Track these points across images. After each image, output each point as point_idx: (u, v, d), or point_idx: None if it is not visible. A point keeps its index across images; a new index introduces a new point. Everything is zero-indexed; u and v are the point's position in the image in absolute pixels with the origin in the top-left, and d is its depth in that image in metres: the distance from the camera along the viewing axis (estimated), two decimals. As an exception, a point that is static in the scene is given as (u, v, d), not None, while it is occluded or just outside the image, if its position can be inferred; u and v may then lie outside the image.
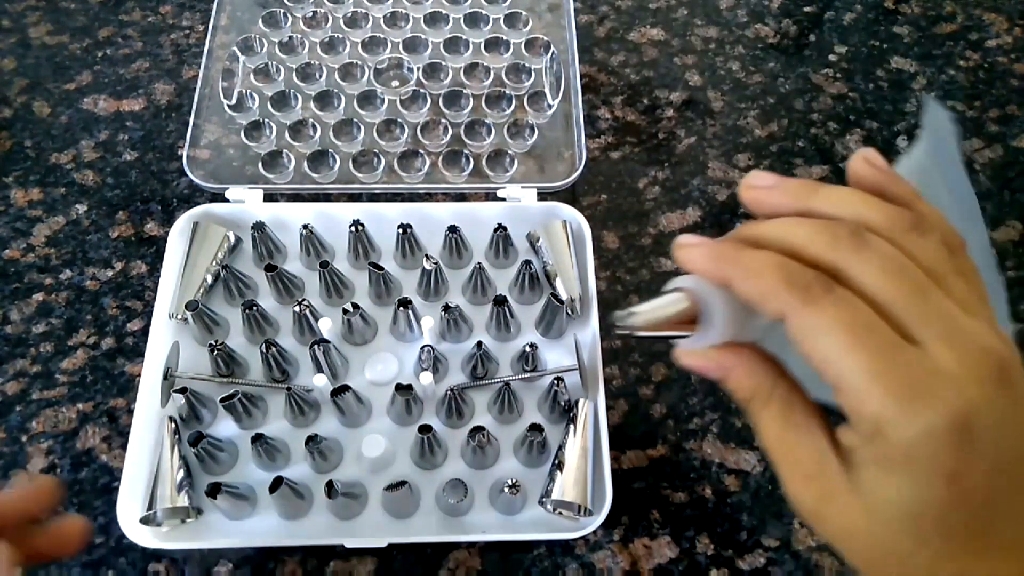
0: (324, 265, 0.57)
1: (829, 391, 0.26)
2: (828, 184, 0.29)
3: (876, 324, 0.25)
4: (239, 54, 0.70)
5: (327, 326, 0.55)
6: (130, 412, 0.54)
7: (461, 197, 0.65)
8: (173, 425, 0.53)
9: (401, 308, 0.55)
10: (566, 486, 0.50)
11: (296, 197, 0.64)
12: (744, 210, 0.65)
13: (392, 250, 0.60)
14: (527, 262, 0.57)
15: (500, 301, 0.55)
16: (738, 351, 0.29)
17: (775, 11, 0.78)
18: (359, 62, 0.70)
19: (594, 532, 0.50)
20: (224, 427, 0.55)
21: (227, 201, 0.62)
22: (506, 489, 0.49)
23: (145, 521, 0.49)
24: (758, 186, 0.30)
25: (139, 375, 0.55)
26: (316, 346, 0.53)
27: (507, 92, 0.68)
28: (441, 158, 0.66)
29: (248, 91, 0.68)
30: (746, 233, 0.28)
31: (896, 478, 0.25)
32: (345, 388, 0.52)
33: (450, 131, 0.67)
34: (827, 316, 0.25)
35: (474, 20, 0.72)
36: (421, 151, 0.66)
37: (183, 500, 0.50)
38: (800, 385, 0.29)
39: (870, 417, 0.24)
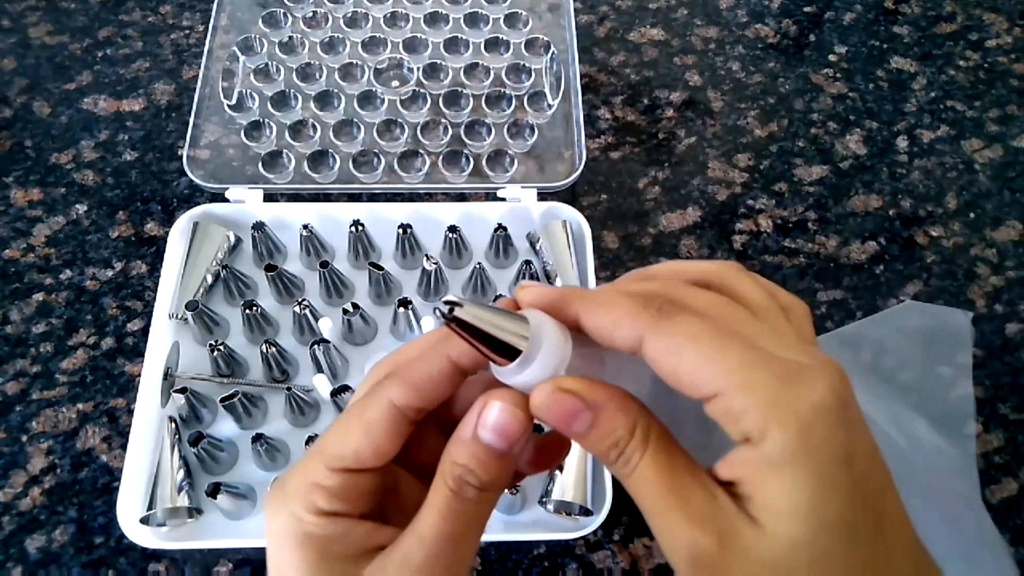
0: (324, 265, 0.57)
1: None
2: (589, 290, 0.28)
3: (734, 329, 0.24)
4: (239, 54, 0.70)
5: (327, 326, 0.55)
6: (130, 412, 0.54)
7: (461, 197, 0.65)
8: (173, 425, 0.53)
9: (401, 308, 0.55)
10: (566, 486, 0.50)
11: (296, 197, 0.64)
12: (743, 209, 0.65)
13: (392, 250, 0.60)
14: (527, 262, 0.57)
15: (500, 301, 0.55)
16: (607, 386, 0.25)
17: (775, 11, 0.78)
18: (359, 62, 0.70)
19: (594, 532, 0.50)
20: (224, 427, 0.55)
21: (227, 201, 0.62)
22: (506, 489, 0.49)
23: (145, 521, 0.49)
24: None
25: (139, 375, 0.55)
26: (316, 346, 0.53)
27: (507, 92, 0.68)
28: (441, 158, 0.66)
29: (248, 91, 0.68)
30: (574, 293, 0.27)
31: (794, 476, 0.23)
32: (345, 388, 0.52)
33: (450, 131, 0.67)
34: (685, 326, 0.24)
35: (474, 20, 0.72)
36: (421, 151, 0.66)
37: (183, 500, 0.50)
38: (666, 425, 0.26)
39: (756, 411, 0.23)
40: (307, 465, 0.27)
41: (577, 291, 0.26)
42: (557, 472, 0.51)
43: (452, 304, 0.24)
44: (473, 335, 0.24)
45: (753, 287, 0.28)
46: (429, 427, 0.28)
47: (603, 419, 0.25)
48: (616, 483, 0.51)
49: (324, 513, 0.26)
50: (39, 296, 0.61)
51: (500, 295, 0.55)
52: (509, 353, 0.24)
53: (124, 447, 0.52)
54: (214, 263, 0.58)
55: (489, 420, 0.25)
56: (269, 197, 0.62)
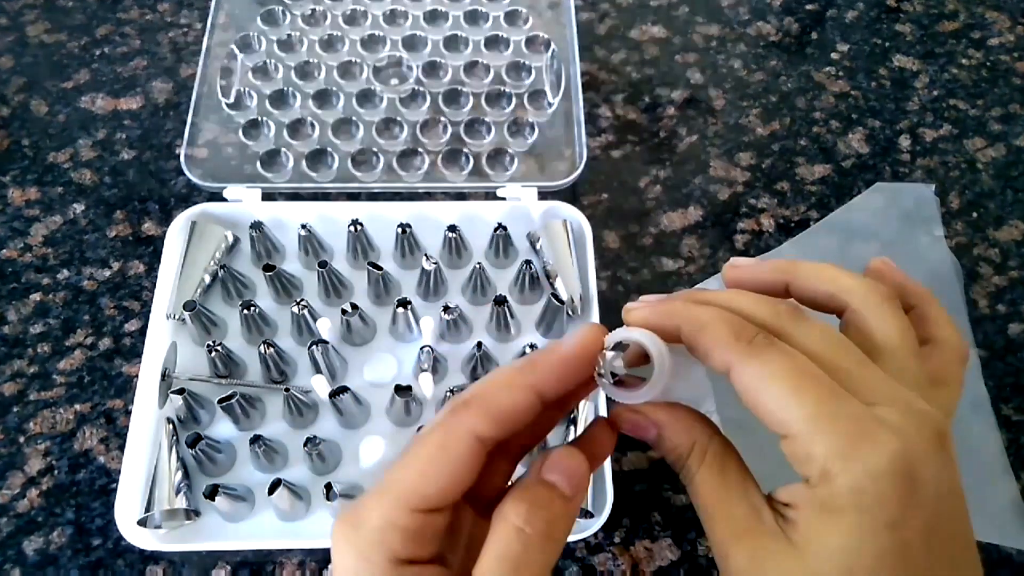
0: (323, 265, 0.56)
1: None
2: (807, 262, 0.30)
3: (819, 374, 0.25)
4: (237, 52, 0.70)
5: (326, 326, 0.55)
6: (128, 413, 0.53)
7: (461, 196, 0.64)
8: (171, 426, 0.52)
9: (400, 308, 0.55)
10: (566, 488, 0.50)
11: (295, 196, 0.64)
12: (745, 208, 0.65)
13: (391, 250, 0.60)
14: (527, 262, 0.57)
15: (500, 301, 0.55)
16: (672, 408, 0.29)
17: (777, 9, 0.78)
18: (358, 60, 0.69)
19: (595, 534, 0.50)
20: (222, 428, 0.54)
21: (225, 200, 0.61)
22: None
23: (143, 523, 0.49)
24: (740, 266, 0.32)
25: (137, 376, 0.54)
26: (315, 347, 0.53)
27: (507, 90, 0.68)
28: (441, 157, 0.65)
29: (246, 89, 0.68)
30: (692, 296, 0.29)
31: (838, 523, 0.24)
32: (344, 389, 0.51)
33: (450, 130, 0.66)
34: (772, 365, 0.25)
35: (474, 18, 0.72)
36: (420, 150, 0.65)
37: (181, 502, 0.50)
38: (732, 444, 0.29)
39: (818, 459, 0.24)
40: (383, 502, 0.26)
41: (680, 307, 0.28)
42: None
43: (615, 363, 0.27)
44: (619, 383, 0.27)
45: (888, 320, 0.28)
46: (495, 456, 0.28)
47: (666, 435, 0.29)
48: (617, 485, 0.51)
49: (400, 561, 0.25)
50: (36, 296, 0.61)
51: (501, 295, 0.55)
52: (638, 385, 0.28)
53: (122, 448, 0.52)
54: (212, 263, 0.58)
55: (554, 463, 0.27)
56: (267, 196, 0.62)
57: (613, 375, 0.27)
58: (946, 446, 0.25)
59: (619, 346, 0.28)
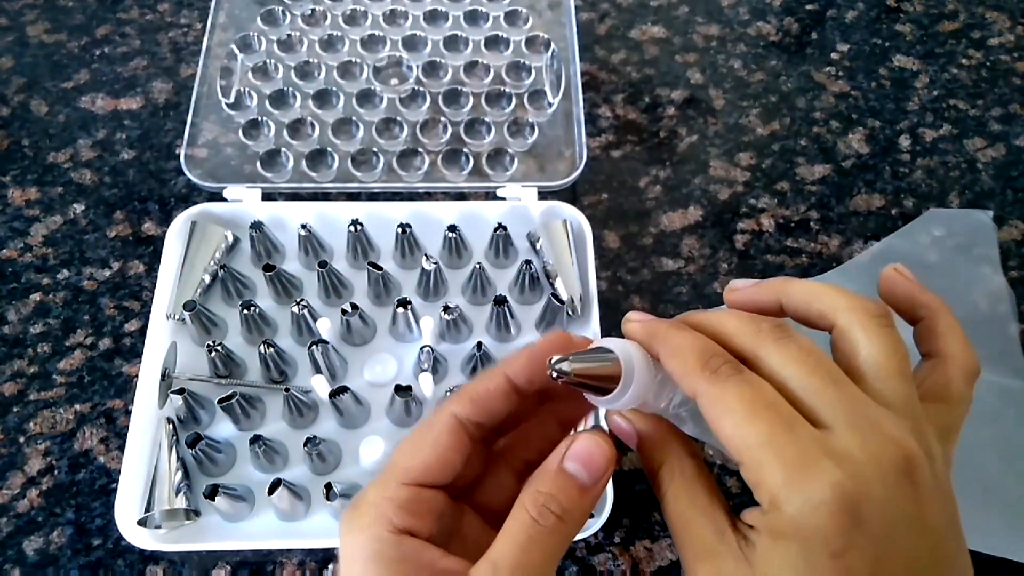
0: (323, 265, 0.56)
1: None
2: (799, 280, 0.31)
3: (776, 402, 0.26)
4: (237, 52, 0.70)
5: (326, 326, 0.55)
6: (128, 413, 0.53)
7: (461, 196, 0.64)
8: (171, 426, 0.52)
9: (400, 308, 0.55)
10: (566, 488, 0.50)
11: (295, 196, 0.64)
12: (745, 208, 0.65)
13: (391, 250, 0.60)
14: (527, 262, 0.57)
15: (500, 301, 0.55)
16: (654, 423, 0.30)
17: (777, 9, 0.78)
18: (358, 60, 0.69)
19: (595, 534, 0.50)
20: (222, 428, 0.54)
21: (225, 200, 0.61)
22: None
23: (143, 523, 0.49)
24: (737, 288, 0.33)
25: (137, 376, 0.54)
26: (315, 347, 0.53)
27: (507, 90, 0.68)
28: (440, 157, 0.65)
29: (246, 89, 0.68)
30: (686, 318, 0.31)
31: (785, 550, 0.25)
32: (344, 389, 0.51)
33: (450, 130, 0.66)
34: (730, 392, 0.26)
35: (474, 18, 0.72)
36: (420, 150, 0.65)
37: (181, 502, 0.50)
38: (705, 467, 0.30)
39: (766, 487, 0.25)
40: (379, 482, 0.29)
41: (663, 331, 0.29)
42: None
43: (559, 365, 0.28)
44: (577, 384, 0.28)
45: (872, 338, 0.28)
46: (499, 467, 0.32)
47: (643, 449, 0.30)
48: (617, 485, 0.51)
49: (396, 530, 0.27)
50: (36, 296, 0.61)
51: (501, 295, 0.55)
52: (605, 390, 0.28)
53: (122, 448, 0.52)
54: (212, 263, 0.58)
55: (575, 451, 0.28)
56: (267, 196, 0.62)
57: (561, 374, 0.28)
58: (912, 473, 0.25)
59: (600, 350, 0.29)
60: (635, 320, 0.30)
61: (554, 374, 0.28)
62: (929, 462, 0.26)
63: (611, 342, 0.29)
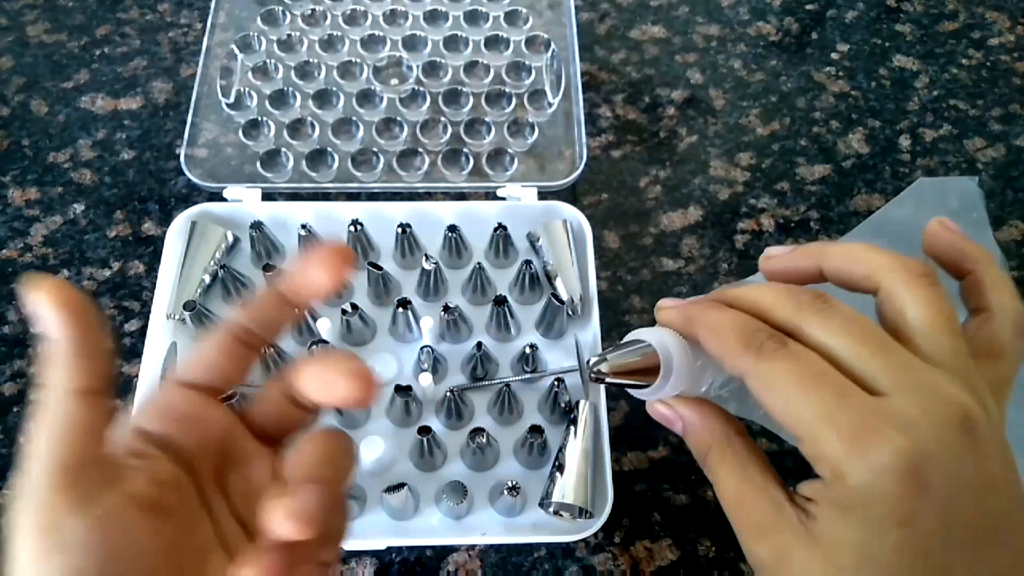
0: (323, 265, 0.56)
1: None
2: (837, 243, 0.30)
3: (827, 372, 0.25)
4: (237, 52, 0.70)
5: (326, 326, 0.55)
6: (128, 413, 0.53)
7: (461, 196, 0.64)
8: (171, 426, 0.52)
9: (400, 308, 0.55)
10: (567, 488, 0.50)
11: (295, 196, 0.64)
12: (745, 208, 0.65)
13: (391, 250, 0.60)
14: (527, 262, 0.57)
15: (500, 301, 0.55)
16: (699, 406, 0.30)
17: (777, 9, 0.78)
18: (358, 60, 0.69)
19: (595, 534, 0.50)
20: (222, 428, 0.54)
21: (225, 200, 0.61)
22: (506, 491, 0.49)
23: (143, 523, 0.49)
24: (773, 256, 0.32)
25: (137, 376, 0.54)
26: (315, 347, 0.53)
27: (507, 90, 0.68)
28: (440, 157, 0.65)
29: (246, 89, 0.68)
30: (720, 295, 0.30)
31: (851, 521, 0.25)
32: (344, 389, 0.51)
33: (450, 130, 0.66)
34: (779, 369, 0.26)
35: (474, 18, 0.72)
36: (420, 150, 0.65)
37: (181, 502, 0.50)
38: (756, 446, 0.30)
39: (827, 461, 0.25)
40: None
41: (699, 313, 0.29)
42: (557, 474, 0.50)
43: (597, 367, 0.28)
44: (616, 383, 0.28)
45: (919, 297, 0.27)
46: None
47: (690, 433, 0.30)
48: (617, 485, 0.51)
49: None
50: (36, 296, 0.61)
51: (501, 295, 0.55)
52: (647, 384, 0.29)
53: (121, 448, 0.52)
54: (212, 263, 0.58)
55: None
56: (267, 196, 0.62)
57: (600, 376, 0.27)
58: (971, 429, 0.25)
59: (635, 343, 0.28)
60: (668, 307, 0.30)
61: (593, 377, 0.27)
62: (986, 417, 0.25)
63: (646, 332, 0.28)
